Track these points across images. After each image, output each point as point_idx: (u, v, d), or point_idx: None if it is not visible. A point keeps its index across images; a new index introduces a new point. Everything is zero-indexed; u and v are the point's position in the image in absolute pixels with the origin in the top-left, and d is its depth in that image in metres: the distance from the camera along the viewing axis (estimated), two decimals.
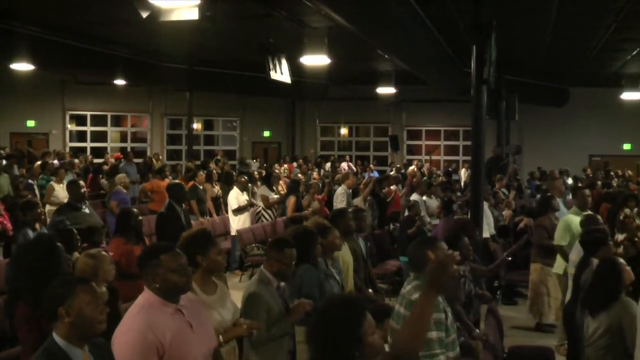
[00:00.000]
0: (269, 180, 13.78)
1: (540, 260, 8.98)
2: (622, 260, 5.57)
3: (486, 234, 10.27)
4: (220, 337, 4.21)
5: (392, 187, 14.45)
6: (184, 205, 10.09)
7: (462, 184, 20.94)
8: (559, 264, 8.46)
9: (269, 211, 13.24)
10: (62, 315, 3.29)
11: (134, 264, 6.71)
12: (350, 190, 13.22)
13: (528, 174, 21.19)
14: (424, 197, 12.65)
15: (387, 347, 3.51)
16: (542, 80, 21.71)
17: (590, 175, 19.78)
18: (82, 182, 8.81)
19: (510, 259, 7.73)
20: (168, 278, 3.58)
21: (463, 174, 22.73)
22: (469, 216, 10.02)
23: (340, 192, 12.97)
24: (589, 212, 8.54)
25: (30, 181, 13.60)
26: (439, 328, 4.11)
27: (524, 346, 7.10)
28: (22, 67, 17.02)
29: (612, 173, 19.34)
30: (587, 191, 8.97)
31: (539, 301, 9.05)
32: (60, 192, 12.16)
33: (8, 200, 11.62)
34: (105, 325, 3.41)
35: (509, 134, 21.36)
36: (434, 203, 12.49)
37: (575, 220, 8.34)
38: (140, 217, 7.56)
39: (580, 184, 18.20)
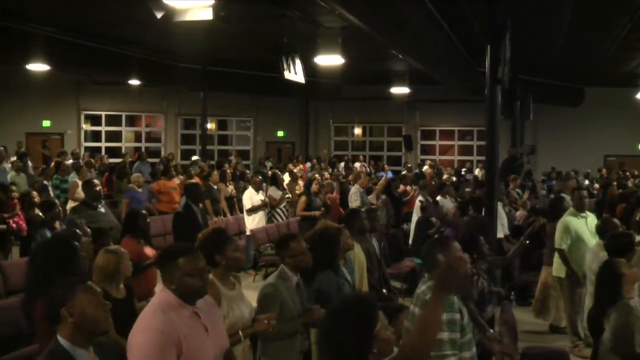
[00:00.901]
0: (276, 181, 13.80)
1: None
2: (623, 261, 5.51)
3: (500, 234, 10.22)
4: (240, 333, 4.23)
5: (408, 187, 14.42)
6: (200, 204, 10.12)
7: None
8: (559, 267, 8.33)
9: (279, 211, 13.26)
10: (65, 317, 3.30)
11: (144, 262, 6.87)
12: (364, 190, 13.23)
13: (543, 174, 21.09)
14: (438, 197, 12.61)
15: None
16: (557, 79, 21.59)
17: (605, 176, 19.67)
18: (96, 181, 8.85)
19: (527, 242, 7.66)
20: (184, 281, 3.54)
21: (477, 173, 22.65)
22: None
23: (354, 192, 12.98)
24: (606, 215, 8.45)
25: (45, 182, 13.68)
26: (451, 329, 4.07)
27: (538, 347, 7.07)
28: (38, 67, 17.18)
29: (627, 173, 19.22)
30: (584, 192, 8.78)
31: (549, 304, 8.99)
32: None
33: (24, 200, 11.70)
34: (108, 323, 3.42)
35: (523, 134, 21.30)
36: (448, 203, 12.45)
37: (573, 221, 8.28)
38: (148, 219, 7.59)
39: (596, 185, 18.20)
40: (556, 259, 8.38)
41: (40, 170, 15.45)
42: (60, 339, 3.31)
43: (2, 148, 16.51)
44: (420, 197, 12.04)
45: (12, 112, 23.87)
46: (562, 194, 9.87)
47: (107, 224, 7.86)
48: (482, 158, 19.93)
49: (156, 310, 3.53)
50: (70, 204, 12.14)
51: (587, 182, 18.44)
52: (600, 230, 7.38)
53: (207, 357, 3.58)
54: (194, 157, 22.38)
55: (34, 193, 10.90)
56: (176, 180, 14.38)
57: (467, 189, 14.52)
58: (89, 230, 6.81)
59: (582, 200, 8.50)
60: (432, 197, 12.16)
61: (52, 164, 15.78)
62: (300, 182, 16.16)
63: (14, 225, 10.03)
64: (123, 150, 25.37)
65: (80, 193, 12.20)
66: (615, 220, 7.78)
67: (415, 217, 11.58)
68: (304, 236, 5.51)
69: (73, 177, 13.44)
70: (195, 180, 14.29)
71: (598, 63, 18.82)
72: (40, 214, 9.03)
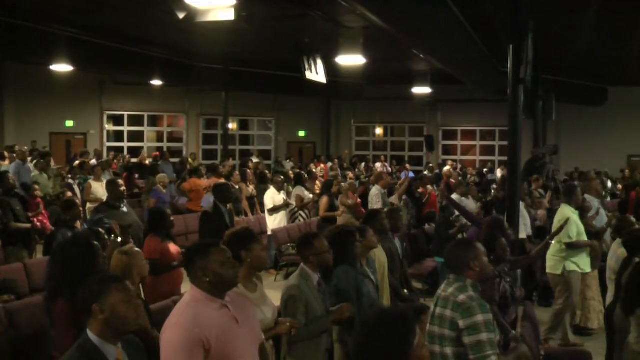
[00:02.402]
0: (301, 181, 13.81)
1: None
2: None
3: (523, 234, 10.16)
4: (262, 335, 4.26)
5: (428, 187, 14.37)
6: (228, 205, 10.15)
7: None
8: (556, 264, 8.41)
9: (305, 211, 13.28)
10: (96, 312, 3.33)
11: (171, 261, 6.91)
12: (385, 190, 13.19)
13: (565, 174, 20.93)
14: (462, 198, 12.55)
15: None
16: (580, 79, 21.42)
17: (629, 176, 19.47)
18: (120, 182, 8.90)
19: (552, 242, 7.66)
20: (218, 271, 3.62)
21: (499, 174, 22.52)
22: (504, 216, 9.92)
23: (375, 192, 12.94)
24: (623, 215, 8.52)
25: (70, 181, 13.79)
26: (489, 329, 4.07)
27: (560, 349, 7.03)
28: (62, 68, 17.36)
29: None
30: (579, 190, 8.98)
31: (579, 305, 8.92)
32: (99, 189, 12.33)
33: (48, 199, 11.83)
34: (138, 322, 3.46)
35: (545, 134, 21.15)
36: (470, 203, 12.38)
37: (574, 217, 8.41)
38: (172, 218, 7.63)
39: (619, 186, 18.03)
40: (551, 256, 8.43)
41: (67, 170, 15.59)
42: (89, 334, 3.34)
43: (25, 148, 16.69)
44: (453, 196, 12.01)
45: (37, 112, 24.13)
46: (586, 195, 9.78)
47: (130, 223, 7.89)
48: (504, 158, 19.80)
49: (186, 307, 3.62)
50: (89, 205, 12.24)
51: (610, 183, 18.25)
52: (617, 229, 7.37)
53: (240, 348, 3.63)
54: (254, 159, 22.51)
55: (68, 193, 11.02)
56: (205, 180, 14.44)
57: (494, 188, 14.46)
58: (118, 229, 6.84)
59: (577, 198, 8.73)
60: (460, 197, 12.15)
61: (76, 163, 15.90)
62: (318, 182, 16.16)
63: (38, 224, 10.12)
64: (145, 150, 25.53)
65: (96, 193, 12.33)
66: (632, 218, 7.81)
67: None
68: (323, 234, 5.51)
69: (86, 178, 13.62)
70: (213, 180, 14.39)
71: (622, 62, 18.65)
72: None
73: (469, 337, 4.06)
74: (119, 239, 6.68)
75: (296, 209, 13.19)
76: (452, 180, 16.09)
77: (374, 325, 2.93)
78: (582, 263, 8.40)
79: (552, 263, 8.45)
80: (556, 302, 8.55)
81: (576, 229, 8.35)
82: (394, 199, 12.63)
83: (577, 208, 8.68)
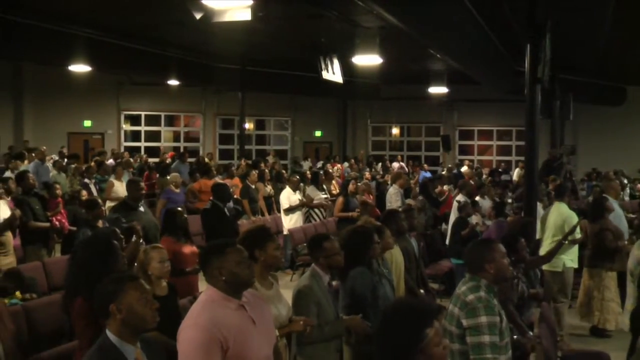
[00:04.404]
0: (317, 181, 13.82)
1: (600, 265, 8.78)
2: None
3: (539, 234, 10.12)
4: (276, 332, 4.27)
5: (445, 187, 14.33)
6: (230, 204, 10.23)
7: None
8: (556, 261, 8.46)
9: (317, 211, 13.28)
10: (114, 313, 3.36)
11: (183, 261, 6.92)
12: (403, 190, 13.17)
13: (585, 174, 20.81)
14: (477, 198, 12.50)
15: None
16: (598, 79, 21.27)
17: None
18: (142, 183, 8.93)
19: (566, 242, 7.69)
20: (234, 271, 3.64)
21: (516, 174, 22.44)
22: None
23: (393, 192, 12.94)
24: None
25: (86, 180, 13.87)
26: (492, 332, 4.07)
27: (578, 350, 6.99)
28: (79, 68, 17.48)
29: None
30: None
31: (593, 306, 8.88)
32: (120, 188, 12.41)
33: (66, 199, 11.89)
34: (156, 320, 3.47)
35: (563, 134, 21.04)
36: (486, 204, 12.35)
37: (572, 216, 8.61)
38: (186, 216, 7.65)
39: (639, 186, 17.91)
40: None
41: (84, 169, 15.67)
42: (109, 334, 3.37)
43: (44, 148, 16.82)
44: (458, 197, 11.95)
45: (55, 113, 24.29)
46: (605, 195, 9.74)
47: (146, 223, 7.93)
48: (521, 158, 19.71)
49: (203, 307, 3.62)
50: (108, 204, 12.31)
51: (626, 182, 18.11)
52: (638, 229, 7.37)
53: (255, 348, 3.64)
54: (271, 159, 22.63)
55: (84, 192, 11.09)
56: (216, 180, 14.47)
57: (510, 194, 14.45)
58: (140, 230, 6.87)
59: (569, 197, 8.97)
60: (470, 197, 12.07)
61: (93, 162, 15.99)
62: (335, 182, 16.17)
63: (57, 223, 10.19)
64: (162, 150, 25.64)
65: (116, 192, 12.40)
66: None
67: (452, 217, 11.50)
68: (340, 235, 5.52)
69: (103, 178, 13.69)
70: (235, 181, 14.44)
71: None
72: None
73: (471, 337, 4.08)
74: (141, 240, 6.72)
75: (307, 209, 13.19)
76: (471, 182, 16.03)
77: (390, 314, 2.98)
78: (575, 259, 8.73)
79: (554, 260, 8.45)
80: (557, 299, 8.57)
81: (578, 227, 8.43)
82: (409, 201, 12.59)
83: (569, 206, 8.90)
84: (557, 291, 8.61)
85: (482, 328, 4.06)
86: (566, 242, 7.72)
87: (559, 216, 8.74)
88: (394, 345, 2.84)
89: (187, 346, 3.49)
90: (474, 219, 11.07)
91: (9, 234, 8.86)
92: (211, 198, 10.06)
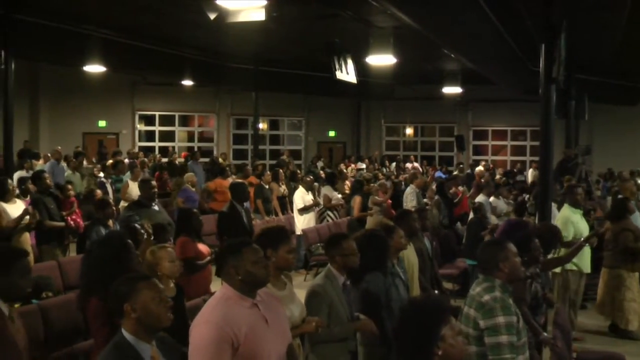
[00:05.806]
0: (333, 180, 13.81)
1: (622, 266, 8.69)
2: None
3: None
4: (289, 332, 4.27)
5: (460, 188, 14.29)
6: (246, 204, 10.23)
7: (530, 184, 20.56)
8: (584, 263, 8.46)
9: (333, 211, 13.27)
10: (129, 312, 3.38)
11: (202, 260, 7.01)
12: (419, 190, 13.14)
13: (598, 175, 20.68)
14: (491, 198, 12.47)
15: None
16: (614, 78, 21.10)
17: None
18: (154, 182, 9.01)
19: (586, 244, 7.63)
20: (250, 270, 3.66)
21: (530, 174, 22.34)
22: (536, 217, 9.84)
23: (410, 192, 12.91)
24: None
25: (103, 179, 13.94)
26: (509, 332, 4.05)
27: (593, 351, 6.96)
28: (95, 69, 17.56)
29: None
30: (579, 189, 8.91)
31: (615, 306, 8.80)
32: (134, 189, 12.46)
33: (81, 198, 11.96)
34: (170, 319, 3.49)
35: (578, 134, 20.90)
36: (501, 204, 12.31)
37: (572, 216, 8.43)
38: (201, 217, 7.73)
39: None
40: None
41: (100, 168, 15.75)
42: (124, 333, 3.40)
43: (59, 148, 16.90)
44: (478, 198, 11.93)
45: (70, 113, 24.45)
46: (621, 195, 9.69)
47: (161, 221, 7.98)
48: (535, 158, 19.65)
49: (217, 304, 3.65)
50: (123, 203, 12.36)
51: None
52: None
53: (267, 347, 3.64)
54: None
55: (98, 192, 11.16)
56: (230, 180, 14.49)
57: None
58: (150, 228, 6.92)
59: (575, 197, 8.66)
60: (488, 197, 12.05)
61: (109, 162, 16.06)
62: (348, 182, 16.15)
63: (72, 222, 10.25)
64: (176, 150, 25.73)
65: (132, 193, 12.44)
66: None
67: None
68: (353, 236, 5.50)
69: (127, 176, 13.69)
70: (251, 179, 14.46)
71: None
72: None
73: (489, 337, 4.07)
74: (152, 238, 6.75)
75: (324, 209, 13.19)
76: (482, 181, 15.98)
77: (407, 310, 3.03)
78: (582, 264, 8.47)
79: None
80: (556, 301, 8.52)
81: (573, 229, 8.31)
82: (427, 199, 12.60)
83: (574, 205, 8.65)
84: (556, 293, 8.50)
85: (500, 328, 4.04)
86: (586, 244, 7.66)
87: (560, 218, 8.65)
88: (411, 343, 2.86)
89: (199, 342, 3.51)
90: (493, 219, 11.05)
91: (26, 234, 8.93)
92: (230, 199, 10.11)
